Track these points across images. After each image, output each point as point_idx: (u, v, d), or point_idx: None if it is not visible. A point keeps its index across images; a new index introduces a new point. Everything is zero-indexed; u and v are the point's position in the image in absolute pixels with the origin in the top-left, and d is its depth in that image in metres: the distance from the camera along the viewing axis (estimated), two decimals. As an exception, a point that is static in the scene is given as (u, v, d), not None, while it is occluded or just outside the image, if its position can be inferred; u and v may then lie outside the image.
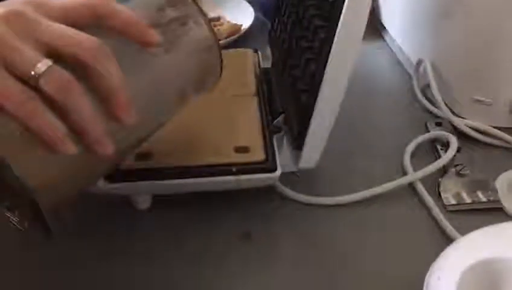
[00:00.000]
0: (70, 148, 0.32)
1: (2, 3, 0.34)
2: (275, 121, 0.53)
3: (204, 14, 0.42)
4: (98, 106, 0.34)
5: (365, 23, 0.41)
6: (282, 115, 0.52)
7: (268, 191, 0.52)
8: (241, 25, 0.84)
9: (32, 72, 0.31)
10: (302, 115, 0.46)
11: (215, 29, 0.84)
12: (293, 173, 0.51)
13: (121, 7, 0.35)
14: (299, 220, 0.51)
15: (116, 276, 0.46)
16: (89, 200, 0.51)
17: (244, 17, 0.87)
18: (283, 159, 0.50)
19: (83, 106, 0.32)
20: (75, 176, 0.35)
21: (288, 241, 0.49)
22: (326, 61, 0.42)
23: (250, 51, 0.67)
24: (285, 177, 0.50)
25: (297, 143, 0.47)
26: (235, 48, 0.80)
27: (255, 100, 0.56)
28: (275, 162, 0.47)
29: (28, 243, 0.49)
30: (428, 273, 0.37)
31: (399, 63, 0.75)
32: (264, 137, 0.50)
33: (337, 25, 0.40)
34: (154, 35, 0.36)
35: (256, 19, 0.87)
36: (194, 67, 0.41)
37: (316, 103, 0.44)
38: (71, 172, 0.34)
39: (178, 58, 0.39)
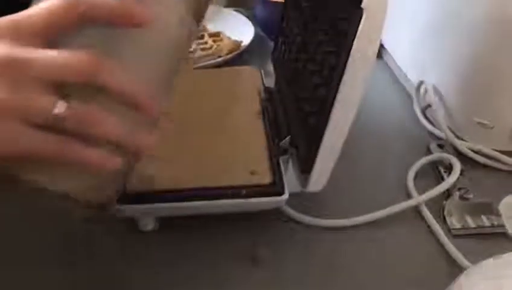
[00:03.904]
0: (116, 163, 0.34)
1: None
2: (281, 142, 0.53)
3: None
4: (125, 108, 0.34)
5: (377, 50, 0.41)
6: (288, 138, 0.52)
7: (274, 212, 0.52)
8: (241, 42, 0.84)
9: (52, 118, 0.31)
10: (310, 139, 0.46)
11: (215, 44, 0.84)
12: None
13: None
14: (305, 242, 0.51)
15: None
16: (94, 220, 0.50)
17: (243, 33, 0.87)
18: (289, 180, 0.50)
19: (111, 128, 0.33)
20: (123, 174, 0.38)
21: (294, 264, 0.48)
22: (337, 87, 0.42)
23: (253, 69, 0.67)
24: (290, 198, 0.50)
25: (305, 167, 0.47)
26: (235, 64, 0.80)
27: (260, 120, 0.56)
28: (283, 185, 0.47)
29: (30, 264, 0.48)
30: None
31: (398, 83, 0.75)
32: (271, 159, 0.50)
33: (349, 52, 0.40)
34: (144, 12, 0.34)
35: (255, 35, 0.87)
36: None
37: (326, 128, 0.44)
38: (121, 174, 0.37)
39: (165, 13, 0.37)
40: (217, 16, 0.96)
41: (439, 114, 0.62)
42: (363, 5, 0.38)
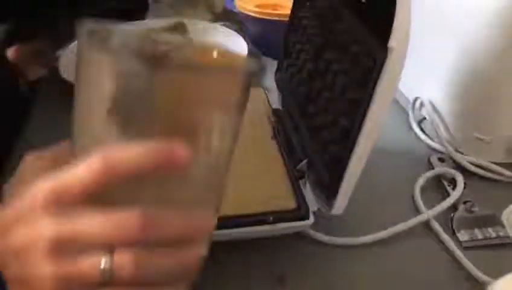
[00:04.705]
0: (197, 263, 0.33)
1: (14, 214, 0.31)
2: (298, 166, 0.55)
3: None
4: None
5: (399, 82, 0.44)
6: (305, 161, 0.55)
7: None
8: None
9: (102, 277, 0.29)
10: (334, 166, 0.49)
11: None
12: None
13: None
14: (322, 260, 0.53)
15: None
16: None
17: (237, 49, 0.89)
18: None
19: (169, 266, 0.31)
20: None
21: (314, 281, 0.51)
22: (362, 121, 0.44)
23: (258, 90, 0.69)
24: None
25: (330, 193, 0.49)
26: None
27: (274, 143, 0.59)
28: (307, 210, 0.50)
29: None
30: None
31: (393, 99, 0.78)
32: (292, 183, 0.53)
33: (374, 88, 0.43)
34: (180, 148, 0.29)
35: (249, 51, 0.89)
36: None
37: (351, 157, 0.46)
38: None
39: None
40: (209, 33, 0.97)
41: (439, 129, 0.65)
42: (389, 45, 0.41)
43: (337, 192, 0.48)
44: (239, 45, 0.90)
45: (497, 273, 0.48)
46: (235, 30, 0.98)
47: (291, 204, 0.50)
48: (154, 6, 1.09)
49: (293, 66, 0.63)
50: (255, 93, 0.69)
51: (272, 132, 0.60)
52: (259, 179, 0.54)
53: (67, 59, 0.90)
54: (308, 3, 0.59)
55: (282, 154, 0.57)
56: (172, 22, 1.02)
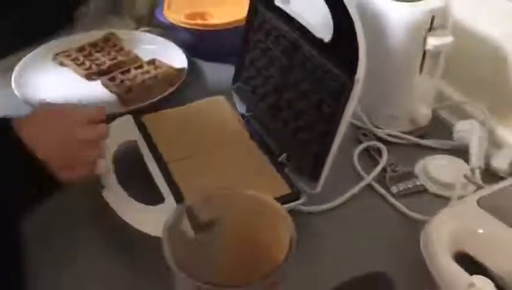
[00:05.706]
0: None
1: None
2: (279, 158, 0.73)
3: None
4: None
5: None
6: (285, 155, 0.73)
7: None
8: (184, 68, 0.98)
9: None
10: (315, 159, 0.67)
11: (155, 72, 0.97)
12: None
13: None
14: (302, 225, 0.72)
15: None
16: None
17: (175, 58, 1.01)
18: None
19: None
20: None
21: (313, 241, 0.70)
22: (337, 126, 0.64)
23: (220, 98, 0.84)
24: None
25: (314, 179, 0.68)
26: (178, 92, 0.94)
27: (254, 144, 0.76)
28: (299, 192, 0.69)
29: None
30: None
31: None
32: (280, 173, 0.71)
33: (344, 105, 0.62)
34: None
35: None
36: None
37: (330, 152, 0.65)
38: None
39: None
40: (139, 41, 1.08)
41: (360, 111, 0.87)
42: (356, 77, 0.60)
43: (320, 176, 0.68)
44: (176, 54, 1.03)
45: (423, 212, 0.73)
46: (161, 35, 1.10)
47: (286, 190, 0.69)
48: (80, 17, 1.14)
49: (254, 79, 0.80)
50: (217, 102, 0.84)
51: (248, 134, 0.77)
52: (253, 175, 0.71)
53: (19, 75, 0.96)
54: (264, 31, 0.76)
55: (263, 152, 0.74)
56: (103, 33, 1.10)
